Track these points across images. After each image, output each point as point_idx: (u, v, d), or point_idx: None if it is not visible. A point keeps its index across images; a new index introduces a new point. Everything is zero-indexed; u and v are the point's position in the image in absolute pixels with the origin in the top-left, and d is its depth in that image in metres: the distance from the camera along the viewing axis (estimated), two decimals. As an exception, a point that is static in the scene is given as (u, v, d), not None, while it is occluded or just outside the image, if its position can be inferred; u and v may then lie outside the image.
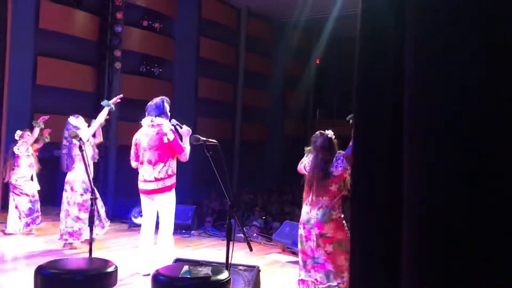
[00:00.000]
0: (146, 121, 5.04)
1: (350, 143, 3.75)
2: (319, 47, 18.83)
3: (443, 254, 0.84)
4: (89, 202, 5.98)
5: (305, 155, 4.39)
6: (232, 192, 3.15)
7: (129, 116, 11.99)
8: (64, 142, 6.07)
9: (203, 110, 14.95)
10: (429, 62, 0.95)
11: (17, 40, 9.14)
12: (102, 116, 5.92)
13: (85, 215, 5.86)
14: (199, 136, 3.26)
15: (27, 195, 6.80)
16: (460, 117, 0.84)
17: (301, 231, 4.24)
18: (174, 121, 4.98)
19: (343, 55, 16.50)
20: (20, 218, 6.74)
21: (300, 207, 11.34)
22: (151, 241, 5.09)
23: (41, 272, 2.69)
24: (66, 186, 6.06)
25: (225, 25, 15.80)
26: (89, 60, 11.34)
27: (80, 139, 3.53)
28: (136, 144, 5.08)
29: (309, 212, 4.16)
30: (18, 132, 6.92)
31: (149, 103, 5.16)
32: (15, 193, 6.77)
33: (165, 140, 4.85)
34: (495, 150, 0.85)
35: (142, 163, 4.99)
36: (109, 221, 6.51)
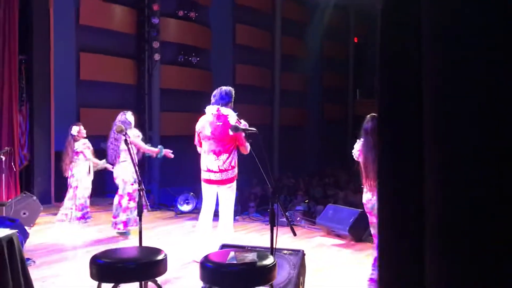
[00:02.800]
0: (211, 110, 4.92)
1: None
2: (356, 25, 18.44)
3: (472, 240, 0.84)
4: (137, 193, 6.25)
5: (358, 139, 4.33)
6: (273, 177, 3.19)
7: (170, 106, 12.25)
8: (112, 135, 6.26)
9: (242, 96, 14.96)
10: (448, 49, 0.91)
11: (60, 37, 9.45)
12: (152, 151, 6.32)
13: (134, 205, 6.08)
14: (238, 126, 3.30)
15: (83, 188, 7.10)
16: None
17: (369, 217, 4.30)
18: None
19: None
20: (74, 210, 7.04)
21: (342, 190, 11.29)
22: (209, 230, 5.07)
23: (95, 262, 2.84)
24: (118, 179, 6.29)
25: (259, 10, 15.72)
26: (128, 53, 11.60)
27: (126, 133, 3.65)
28: (199, 133, 5.00)
29: (370, 199, 4.16)
30: (75, 128, 7.10)
31: (215, 91, 5.02)
32: (72, 186, 7.07)
33: (231, 132, 4.68)
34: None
35: (205, 152, 4.92)
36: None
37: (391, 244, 1.07)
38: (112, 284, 2.86)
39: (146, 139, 9.81)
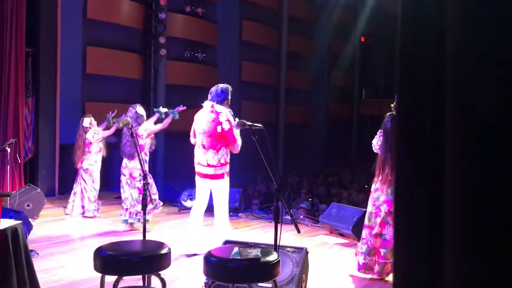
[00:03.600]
0: (207, 105, 5.02)
1: None
2: (363, 24, 18.39)
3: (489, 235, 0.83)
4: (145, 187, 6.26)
5: (378, 133, 4.50)
6: (278, 175, 3.19)
7: (175, 101, 12.24)
8: (126, 130, 6.24)
9: (247, 93, 14.99)
10: (474, 40, 0.89)
11: (67, 31, 9.46)
12: (167, 122, 6.24)
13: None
14: (244, 121, 3.29)
15: (94, 181, 7.14)
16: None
17: (370, 208, 4.45)
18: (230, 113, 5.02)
19: (388, 32, 16.05)
20: (84, 202, 7.08)
21: (346, 189, 11.26)
22: (200, 223, 5.21)
23: (99, 254, 2.84)
24: (125, 171, 6.29)
25: (267, 7, 15.70)
26: (135, 48, 11.61)
27: (132, 126, 3.65)
28: (194, 126, 5.14)
29: (379, 189, 4.32)
30: (87, 120, 7.20)
31: (213, 88, 5.10)
32: (83, 179, 7.11)
33: (219, 130, 4.85)
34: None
35: (197, 145, 5.08)
36: (162, 204, 6.72)
37: (407, 243, 1.06)
38: (115, 277, 2.86)
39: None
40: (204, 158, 4.98)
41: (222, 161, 4.97)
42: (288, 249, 3.88)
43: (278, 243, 3.19)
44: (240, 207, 7.96)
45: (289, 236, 5.78)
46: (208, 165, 4.96)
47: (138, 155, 3.54)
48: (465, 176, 0.84)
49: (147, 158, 6.32)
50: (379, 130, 4.50)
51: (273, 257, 2.78)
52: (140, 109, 6.33)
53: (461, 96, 0.89)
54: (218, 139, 4.92)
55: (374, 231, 4.40)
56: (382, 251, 4.34)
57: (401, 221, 1.07)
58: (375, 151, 4.52)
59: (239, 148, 4.99)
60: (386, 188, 4.30)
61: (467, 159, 0.84)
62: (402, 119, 1.08)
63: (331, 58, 18.63)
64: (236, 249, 2.82)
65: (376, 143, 4.47)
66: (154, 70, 11.60)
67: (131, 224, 6.26)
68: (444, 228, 0.91)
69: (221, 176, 4.99)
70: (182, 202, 8.07)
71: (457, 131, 0.87)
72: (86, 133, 7.11)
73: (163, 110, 6.56)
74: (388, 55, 18.40)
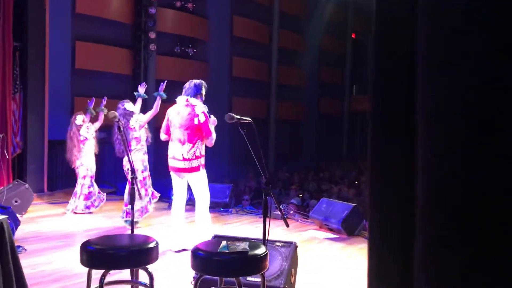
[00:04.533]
0: (181, 100, 5.13)
1: None
2: (354, 20, 18.43)
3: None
4: (147, 180, 6.25)
5: None
6: (268, 170, 3.18)
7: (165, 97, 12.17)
8: (115, 127, 6.18)
9: (238, 89, 14.97)
10: (443, 35, 0.89)
11: (55, 25, 9.36)
12: (157, 105, 6.16)
13: (144, 193, 6.10)
14: (233, 115, 3.27)
15: (90, 177, 7.09)
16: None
17: None
18: (205, 108, 5.11)
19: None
20: (79, 199, 7.03)
21: (337, 185, 11.34)
22: (182, 218, 5.24)
23: (86, 248, 2.81)
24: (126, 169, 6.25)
25: (258, 2, 15.66)
26: (125, 43, 11.53)
27: (119, 120, 3.61)
28: (168, 119, 5.19)
29: None
30: (80, 117, 7.11)
31: (187, 83, 5.23)
32: (82, 176, 7.06)
33: (196, 122, 4.95)
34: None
35: (172, 140, 5.12)
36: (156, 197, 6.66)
37: (379, 235, 1.06)
38: (102, 271, 2.84)
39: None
40: (179, 152, 5.01)
41: (198, 153, 5.02)
42: (277, 243, 3.87)
43: (267, 237, 3.18)
44: (230, 202, 7.95)
45: (279, 231, 5.79)
46: (184, 159, 4.99)
47: (126, 150, 3.51)
48: (436, 172, 0.84)
49: (145, 150, 6.29)
50: None
51: (261, 250, 2.77)
52: (128, 106, 6.28)
53: (431, 92, 0.89)
54: (195, 132, 4.97)
55: None
56: None
57: (374, 207, 1.07)
58: None
59: (213, 142, 5.05)
60: None
61: (438, 155, 0.85)
62: (375, 114, 1.08)
63: (322, 54, 18.64)
64: (224, 242, 2.81)
65: None
66: (144, 66, 11.54)
67: (136, 223, 6.20)
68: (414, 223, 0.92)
69: (197, 168, 5.02)
70: (172, 197, 8.03)
71: (427, 127, 0.88)
72: (79, 130, 7.03)
73: (142, 90, 6.48)
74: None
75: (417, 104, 0.92)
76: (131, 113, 6.21)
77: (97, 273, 2.86)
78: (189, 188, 5.25)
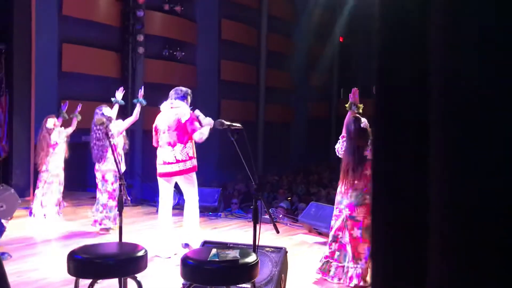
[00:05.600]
0: (165, 105, 5.16)
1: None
2: (342, 24, 18.52)
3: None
4: (118, 191, 6.15)
5: (340, 137, 4.42)
6: (257, 174, 3.17)
7: (153, 100, 12.11)
8: (95, 133, 6.10)
9: (227, 92, 14.94)
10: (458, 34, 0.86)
11: (41, 28, 9.25)
12: (137, 112, 6.09)
13: (113, 203, 6.02)
14: (223, 121, 3.24)
15: (59, 183, 6.94)
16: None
17: (335, 211, 4.40)
18: (197, 111, 5.11)
19: (367, 32, 16.18)
20: (46, 205, 6.85)
21: (325, 188, 11.31)
22: (170, 223, 5.20)
23: (73, 257, 2.76)
24: (98, 174, 6.19)
25: (246, 6, 15.66)
26: (112, 46, 11.43)
27: (107, 126, 3.57)
28: (155, 129, 5.18)
29: (342, 193, 4.25)
30: (51, 120, 6.85)
31: (172, 90, 5.25)
32: (46, 181, 6.88)
33: (183, 121, 4.96)
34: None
35: (161, 146, 5.09)
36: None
37: (389, 243, 1.03)
38: (90, 280, 2.79)
39: (128, 134, 9.71)
40: (171, 155, 4.98)
41: (191, 154, 5.01)
42: (267, 249, 3.85)
43: (257, 244, 3.16)
44: (219, 206, 7.92)
45: (268, 236, 5.76)
46: (178, 161, 4.97)
47: (114, 155, 3.47)
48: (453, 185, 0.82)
49: (122, 158, 6.22)
50: (341, 135, 4.46)
51: (251, 258, 2.74)
52: (107, 111, 6.17)
53: (449, 93, 0.87)
54: (185, 131, 4.96)
55: (332, 233, 4.41)
56: (337, 254, 4.31)
57: (381, 220, 1.05)
58: (339, 156, 4.46)
59: (201, 136, 4.92)
60: (350, 192, 4.24)
61: (454, 158, 0.82)
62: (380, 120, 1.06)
63: (311, 57, 18.70)
64: (214, 250, 2.78)
65: (340, 148, 4.42)
66: (132, 69, 11.45)
67: (105, 228, 6.14)
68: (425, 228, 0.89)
69: (190, 170, 5.00)
70: (159, 204, 7.97)
71: (444, 131, 0.85)
72: (50, 134, 6.86)
73: (119, 96, 6.40)
74: (366, 54, 18.57)
75: (430, 104, 0.89)
76: (109, 119, 6.06)
77: (84, 281, 2.82)
78: (177, 193, 5.23)
